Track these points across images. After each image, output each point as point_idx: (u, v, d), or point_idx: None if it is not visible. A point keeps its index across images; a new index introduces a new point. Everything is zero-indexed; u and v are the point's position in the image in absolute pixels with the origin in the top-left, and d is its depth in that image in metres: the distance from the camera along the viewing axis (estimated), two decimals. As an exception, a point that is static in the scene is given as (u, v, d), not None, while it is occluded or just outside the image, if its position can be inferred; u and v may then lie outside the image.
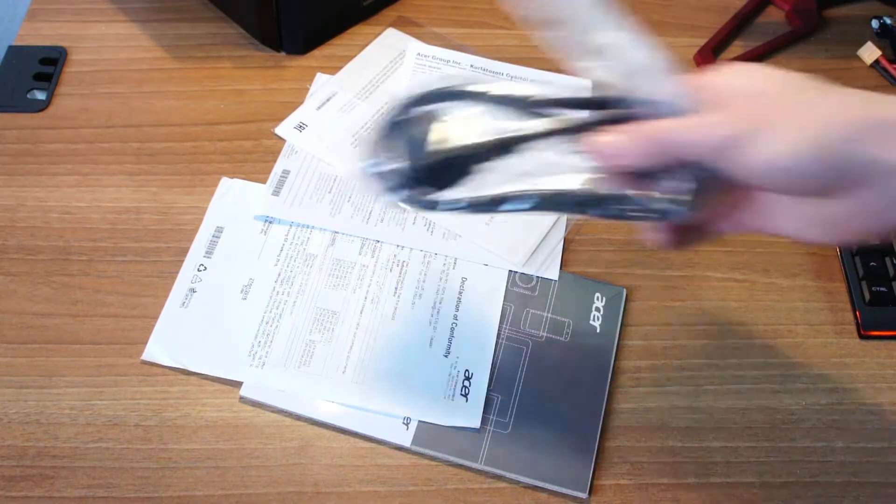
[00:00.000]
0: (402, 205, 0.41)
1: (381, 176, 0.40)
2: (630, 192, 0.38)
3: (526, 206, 0.39)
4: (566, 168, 0.39)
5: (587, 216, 0.39)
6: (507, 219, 0.54)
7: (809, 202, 0.33)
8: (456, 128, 0.40)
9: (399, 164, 0.39)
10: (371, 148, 0.40)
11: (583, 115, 0.39)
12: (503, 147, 0.39)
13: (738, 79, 0.35)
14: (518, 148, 0.39)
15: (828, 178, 0.31)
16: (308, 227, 0.53)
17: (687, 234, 0.39)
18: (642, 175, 0.37)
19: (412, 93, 0.40)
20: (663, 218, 0.38)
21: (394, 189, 0.40)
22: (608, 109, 0.38)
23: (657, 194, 0.37)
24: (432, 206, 0.40)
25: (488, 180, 0.40)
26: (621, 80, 0.37)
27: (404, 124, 0.40)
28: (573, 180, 0.39)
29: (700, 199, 0.37)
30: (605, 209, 0.38)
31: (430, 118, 0.40)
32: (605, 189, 0.38)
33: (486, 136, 0.39)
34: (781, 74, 0.34)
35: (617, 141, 0.36)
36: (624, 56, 0.36)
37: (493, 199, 0.40)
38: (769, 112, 0.32)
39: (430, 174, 0.40)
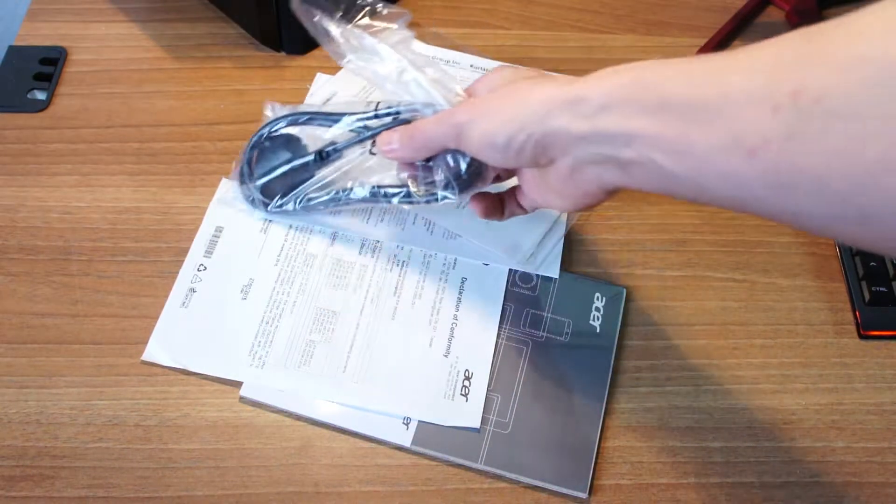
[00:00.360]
0: (260, 212, 0.52)
1: (242, 190, 0.52)
2: (409, 182, 0.47)
3: (336, 203, 0.51)
4: (375, 166, 0.50)
5: (386, 205, 0.50)
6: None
7: (544, 175, 0.40)
8: (296, 146, 0.51)
9: (256, 186, 0.51)
10: (238, 167, 0.52)
11: (381, 122, 0.48)
12: (321, 157, 0.50)
13: (487, 78, 0.43)
14: (335, 156, 0.50)
15: (529, 150, 0.38)
16: (308, 227, 0.53)
17: (498, 206, 0.47)
18: (428, 165, 0.46)
19: (268, 120, 0.52)
20: (443, 199, 0.46)
21: (250, 201, 0.52)
22: (401, 117, 0.48)
23: (436, 177, 0.46)
24: (280, 210, 0.52)
25: (318, 184, 0.51)
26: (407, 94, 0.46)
27: (259, 150, 0.52)
28: (379, 177, 0.49)
29: (469, 183, 0.45)
30: (396, 198, 0.48)
31: (277, 142, 0.52)
32: (387, 182, 0.49)
33: (314, 147, 0.51)
34: (515, 71, 0.42)
35: (389, 139, 0.45)
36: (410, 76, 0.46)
37: (324, 200, 0.51)
38: (488, 101, 0.40)
39: (278, 188, 0.51)
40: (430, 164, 0.46)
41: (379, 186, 0.50)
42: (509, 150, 0.38)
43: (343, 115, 0.49)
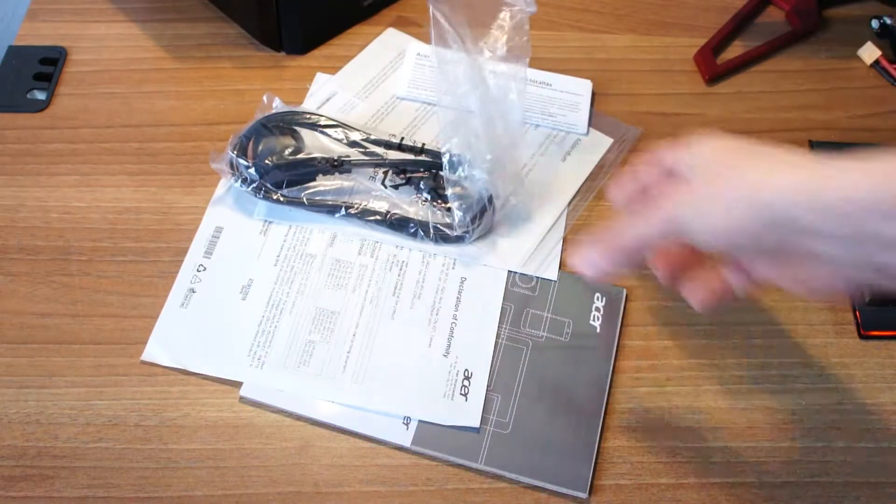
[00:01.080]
0: (250, 194, 0.52)
1: (238, 169, 0.52)
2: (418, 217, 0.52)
3: (340, 214, 0.52)
4: (378, 192, 0.53)
5: (391, 234, 0.53)
6: (505, 219, 0.54)
7: (782, 263, 0.36)
8: (301, 144, 0.53)
9: (252, 163, 0.51)
10: (235, 146, 0.52)
11: (400, 155, 0.53)
12: (334, 165, 0.52)
13: (692, 153, 0.38)
14: (346, 168, 0.53)
15: (765, 241, 0.34)
16: (307, 226, 0.53)
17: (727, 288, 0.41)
18: (446, 208, 0.52)
19: (273, 112, 0.54)
20: (455, 242, 0.52)
21: (245, 181, 0.52)
22: (419, 156, 0.53)
23: (455, 220, 0.50)
24: (273, 198, 0.52)
25: (320, 188, 0.53)
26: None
27: (263, 133, 0.53)
28: (380, 203, 0.53)
29: (479, 224, 0.51)
30: (405, 231, 0.52)
31: (284, 132, 0.53)
32: (398, 213, 0.52)
33: (322, 153, 0.53)
34: (724, 145, 0.36)
35: (589, 259, 0.39)
36: None
37: (322, 203, 0.52)
38: (710, 190, 0.35)
39: (276, 175, 0.52)
40: (449, 206, 0.50)
41: (391, 215, 0.52)
42: (740, 240, 0.35)
43: (354, 135, 0.53)
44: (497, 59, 0.52)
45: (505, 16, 0.52)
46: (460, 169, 0.50)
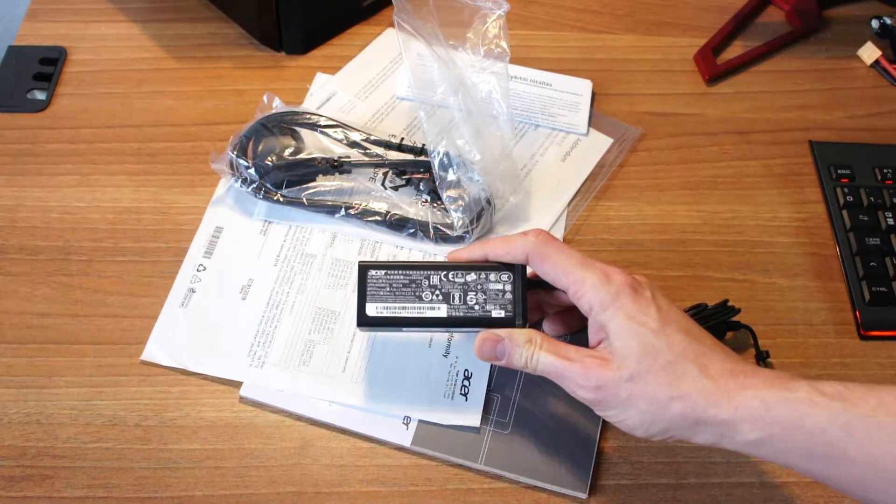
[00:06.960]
0: (249, 194, 0.52)
1: (238, 169, 0.52)
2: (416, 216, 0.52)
3: (339, 214, 0.52)
4: (378, 192, 0.53)
5: (389, 234, 0.53)
6: (505, 219, 0.54)
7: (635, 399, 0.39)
8: (301, 144, 0.54)
9: (252, 163, 0.51)
10: (235, 146, 0.52)
11: (400, 156, 0.53)
12: (334, 165, 0.53)
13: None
14: (346, 168, 0.53)
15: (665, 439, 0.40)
16: (307, 226, 0.53)
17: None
18: (444, 207, 0.51)
19: (273, 112, 0.54)
20: (455, 241, 0.52)
21: (245, 181, 0.52)
22: (419, 157, 0.53)
23: (454, 221, 0.51)
24: (273, 198, 0.52)
25: (320, 188, 0.53)
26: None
27: (263, 133, 0.53)
28: (380, 204, 0.53)
29: (478, 224, 0.52)
30: (405, 231, 0.52)
31: (284, 132, 0.53)
32: (398, 213, 0.53)
33: (322, 153, 0.53)
34: (652, 346, 0.39)
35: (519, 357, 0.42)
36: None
37: (322, 203, 0.52)
38: (628, 395, 0.39)
39: (276, 176, 0.52)
40: (449, 207, 0.50)
41: (391, 215, 0.52)
42: (644, 436, 0.40)
43: (355, 136, 0.53)
44: (475, 60, 0.52)
45: (479, 18, 0.53)
46: (451, 170, 0.50)
